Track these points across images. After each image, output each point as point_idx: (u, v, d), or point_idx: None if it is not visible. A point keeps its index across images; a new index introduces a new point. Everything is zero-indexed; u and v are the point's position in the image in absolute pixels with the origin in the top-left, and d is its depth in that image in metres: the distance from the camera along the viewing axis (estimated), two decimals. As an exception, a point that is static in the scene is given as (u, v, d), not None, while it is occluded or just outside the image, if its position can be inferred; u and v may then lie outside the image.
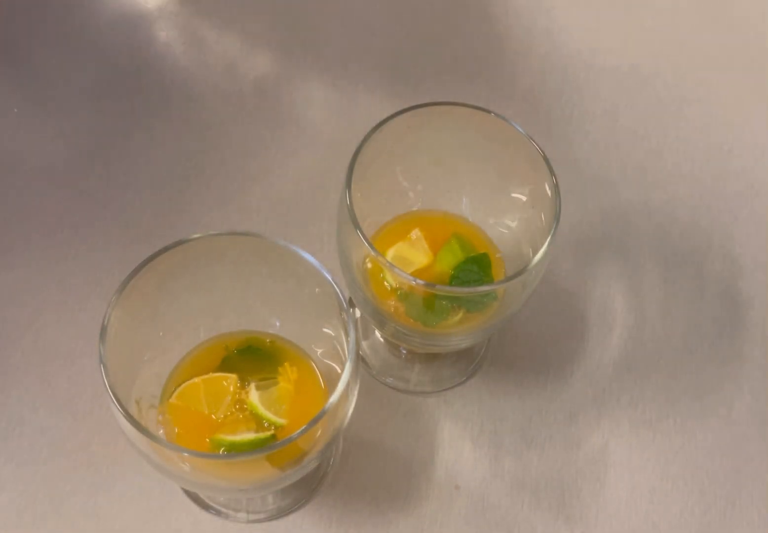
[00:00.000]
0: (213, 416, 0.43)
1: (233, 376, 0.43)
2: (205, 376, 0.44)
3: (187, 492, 0.48)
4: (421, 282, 0.39)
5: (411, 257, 0.46)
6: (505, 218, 0.47)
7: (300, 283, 0.41)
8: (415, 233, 0.46)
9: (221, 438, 0.42)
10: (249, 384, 0.43)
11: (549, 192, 0.42)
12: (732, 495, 0.50)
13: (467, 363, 0.53)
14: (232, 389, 0.43)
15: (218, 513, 0.48)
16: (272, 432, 0.42)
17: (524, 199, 0.46)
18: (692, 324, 0.55)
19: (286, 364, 0.44)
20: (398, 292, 0.43)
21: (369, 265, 0.42)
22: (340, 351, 0.41)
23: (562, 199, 0.42)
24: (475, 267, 0.45)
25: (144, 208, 0.55)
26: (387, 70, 0.62)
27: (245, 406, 0.43)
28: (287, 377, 0.44)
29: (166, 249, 0.39)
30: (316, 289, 0.40)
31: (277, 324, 0.46)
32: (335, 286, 0.39)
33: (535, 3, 0.66)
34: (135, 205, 0.56)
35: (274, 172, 0.58)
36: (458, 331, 0.45)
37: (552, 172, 0.42)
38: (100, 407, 0.49)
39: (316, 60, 0.63)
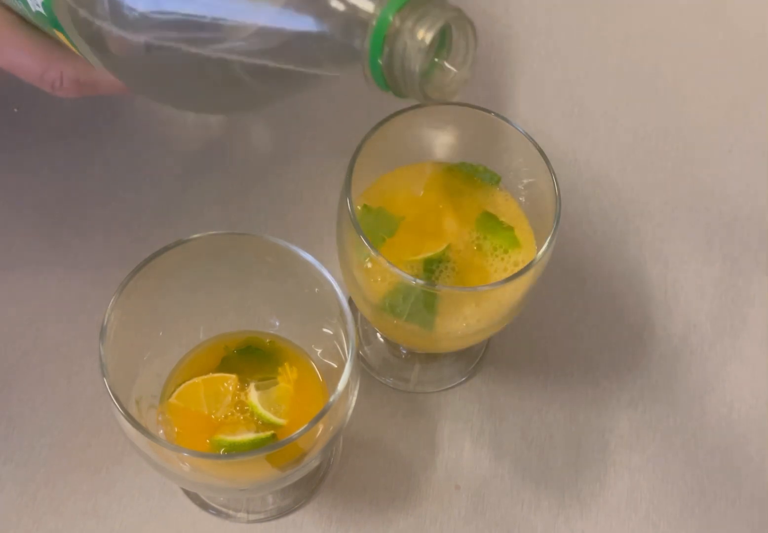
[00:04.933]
0: (213, 416, 0.43)
1: (233, 376, 0.43)
2: (205, 376, 0.44)
3: (187, 492, 0.48)
4: (420, 281, 0.39)
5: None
6: (505, 218, 0.47)
7: (300, 283, 0.41)
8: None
9: (221, 438, 0.42)
10: (249, 385, 0.43)
11: (549, 192, 0.42)
12: (732, 495, 0.50)
13: (467, 363, 0.53)
14: (231, 389, 0.43)
15: (218, 513, 0.48)
16: (272, 432, 0.42)
17: (524, 199, 0.46)
18: (692, 325, 0.55)
19: (286, 364, 0.44)
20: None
21: (369, 265, 0.42)
22: (340, 351, 0.41)
23: (562, 199, 0.42)
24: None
25: (144, 208, 0.55)
26: (387, 70, 0.62)
27: (245, 407, 0.43)
28: (287, 377, 0.44)
29: (166, 249, 0.39)
30: (316, 289, 0.40)
31: (277, 324, 0.46)
32: (335, 286, 0.39)
33: (535, 3, 0.66)
34: (135, 204, 0.56)
35: (274, 171, 0.58)
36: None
37: (552, 172, 0.42)
38: (100, 407, 0.49)
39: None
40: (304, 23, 0.33)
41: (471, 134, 0.45)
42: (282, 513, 0.48)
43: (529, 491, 0.50)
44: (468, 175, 0.46)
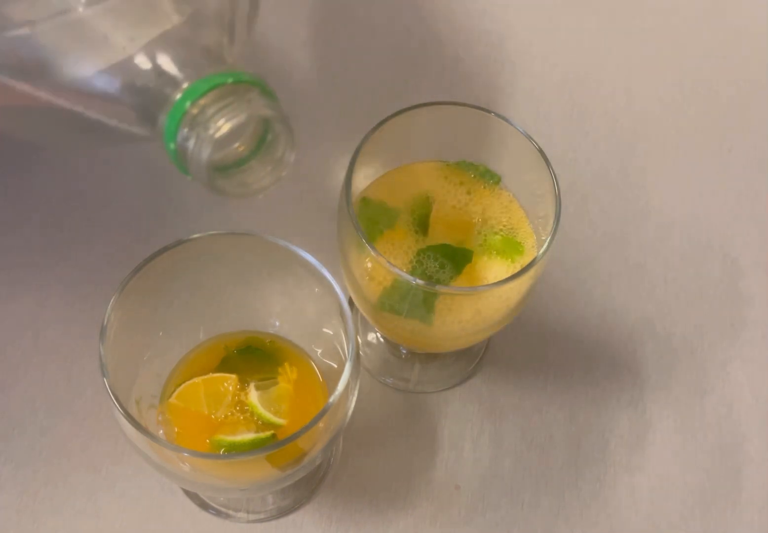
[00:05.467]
0: (213, 416, 0.43)
1: (233, 377, 0.43)
2: (205, 376, 0.44)
3: (187, 492, 0.48)
4: (420, 282, 0.39)
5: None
6: (506, 218, 0.47)
7: (300, 283, 0.41)
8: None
9: (221, 438, 0.42)
10: (249, 385, 0.43)
11: (549, 192, 0.42)
12: (732, 495, 0.50)
13: (467, 363, 0.53)
14: (231, 389, 0.43)
15: (218, 513, 0.48)
16: (272, 432, 0.42)
17: (524, 199, 0.46)
18: (692, 324, 0.55)
19: (286, 364, 0.44)
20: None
21: (369, 265, 0.42)
22: (340, 351, 0.41)
23: (562, 199, 0.42)
24: (442, 259, 0.44)
25: (144, 208, 0.55)
26: (387, 70, 0.62)
27: (245, 407, 0.43)
28: (287, 377, 0.44)
29: (166, 249, 0.39)
30: (316, 289, 0.40)
31: (277, 324, 0.46)
32: (335, 286, 0.39)
33: (535, 3, 0.66)
34: (135, 204, 0.56)
35: (274, 172, 0.58)
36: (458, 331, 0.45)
37: (552, 172, 0.42)
38: (100, 407, 0.49)
39: (316, 60, 0.63)
40: (107, 83, 0.31)
41: (471, 134, 0.45)
42: (282, 513, 0.48)
43: (529, 491, 0.50)
44: (468, 175, 0.46)
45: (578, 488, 0.50)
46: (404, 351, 0.54)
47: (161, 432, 0.43)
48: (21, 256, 0.53)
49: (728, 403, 0.53)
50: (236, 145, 0.31)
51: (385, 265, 0.40)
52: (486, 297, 0.42)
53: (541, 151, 0.42)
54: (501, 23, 0.65)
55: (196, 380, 0.43)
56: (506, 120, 0.43)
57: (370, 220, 0.44)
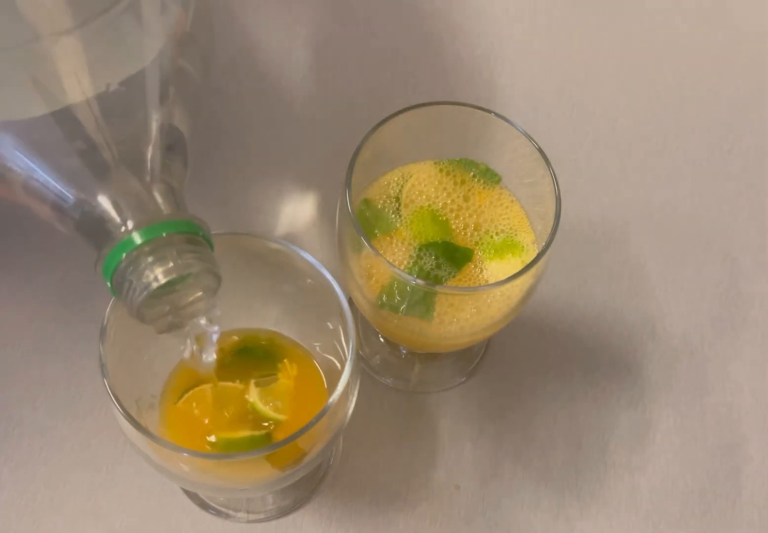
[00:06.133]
0: (214, 417, 0.42)
1: (241, 386, 0.43)
2: (211, 385, 0.43)
3: (187, 492, 0.48)
4: (421, 282, 0.39)
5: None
6: (506, 217, 0.47)
7: (300, 283, 0.41)
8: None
9: (221, 437, 0.42)
10: (249, 382, 0.43)
11: (549, 192, 0.42)
12: (732, 495, 0.50)
13: (467, 363, 0.53)
14: (236, 393, 0.43)
15: (218, 513, 0.48)
16: (269, 429, 0.42)
17: (524, 199, 0.46)
18: (692, 324, 0.55)
19: (286, 361, 0.44)
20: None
21: (368, 264, 0.42)
22: (340, 351, 0.41)
23: (562, 199, 0.42)
24: (439, 257, 0.44)
25: (144, 208, 0.55)
26: (387, 70, 0.62)
27: (247, 405, 0.43)
28: (287, 373, 0.44)
29: (165, 249, 0.39)
30: (316, 289, 0.40)
31: (277, 323, 0.46)
32: (335, 286, 0.39)
33: (535, 3, 0.66)
34: (135, 205, 0.55)
35: (274, 172, 0.58)
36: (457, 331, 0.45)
37: (552, 172, 0.42)
38: (100, 407, 0.49)
39: (315, 60, 0.63)
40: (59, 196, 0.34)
41: (471, 134, 0.45)
42: (282, 513, 0.48)
43: (529, 491, 0.50)
44: (468, 173, 0.46)
45: (578, 488, 0.50)
46: (404, 351, 0.54)
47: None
48: (21, 256, 0.53)
49: (728, 403, 0.53)
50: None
51: (384, 264, 0.40)
52: (486, 297, 0.42)
53: (541, 151, 0.42)
54: (501, 23, 0.65)
55: (203, 387, 0.43)
56: (506, 120, 0.43)
57: (369, 221, 0.44)
